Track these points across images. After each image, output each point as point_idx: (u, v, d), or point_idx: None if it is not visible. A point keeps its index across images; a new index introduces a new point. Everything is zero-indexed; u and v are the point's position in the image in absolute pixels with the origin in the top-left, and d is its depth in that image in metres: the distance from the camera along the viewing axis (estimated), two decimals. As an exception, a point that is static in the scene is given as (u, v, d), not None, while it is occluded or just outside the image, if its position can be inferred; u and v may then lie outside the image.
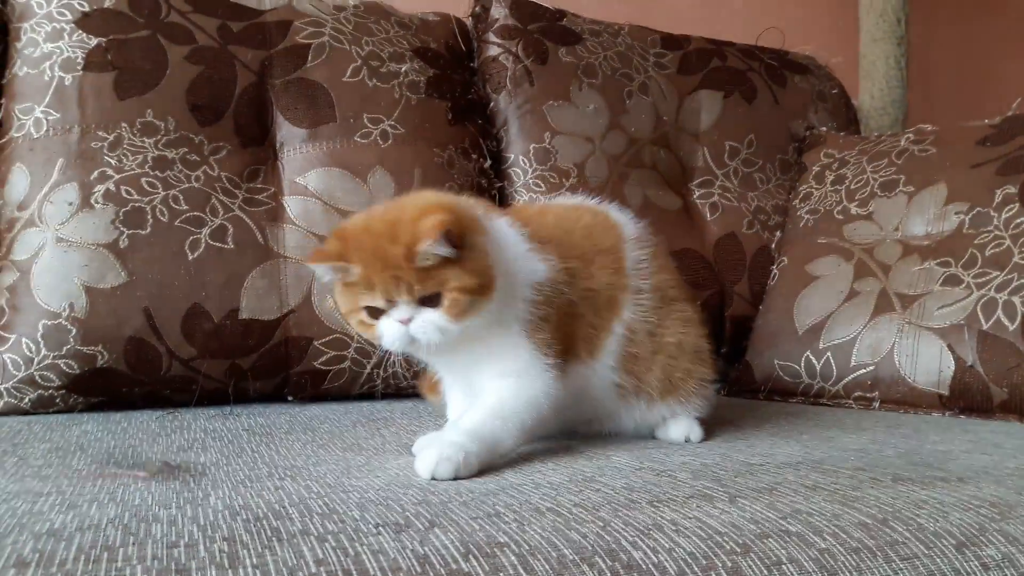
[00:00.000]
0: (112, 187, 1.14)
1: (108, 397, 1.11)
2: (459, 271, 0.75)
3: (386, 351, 0.79)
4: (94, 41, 1.21)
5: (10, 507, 0.59)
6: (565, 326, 0.82)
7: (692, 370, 0.89)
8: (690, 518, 0.59)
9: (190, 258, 1.14)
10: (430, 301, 0.75)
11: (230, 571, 0.48)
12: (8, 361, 1.07)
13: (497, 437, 0.75)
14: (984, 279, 1.20)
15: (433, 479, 0.69)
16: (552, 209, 0.94)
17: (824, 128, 1.68)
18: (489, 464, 0.74)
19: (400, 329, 0.76)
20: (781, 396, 1.34)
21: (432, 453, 0.71)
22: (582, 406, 0.86)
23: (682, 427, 0.90)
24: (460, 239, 0.75)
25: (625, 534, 0.56)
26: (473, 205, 0.83)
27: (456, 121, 1.40)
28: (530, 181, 1.44)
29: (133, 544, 0.51)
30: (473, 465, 0.71)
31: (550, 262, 0.81)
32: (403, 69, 1.37)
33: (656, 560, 0.54)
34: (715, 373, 0.92)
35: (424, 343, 0.76)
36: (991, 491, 0.69)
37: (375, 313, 0.77)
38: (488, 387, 0.80)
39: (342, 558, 0.50)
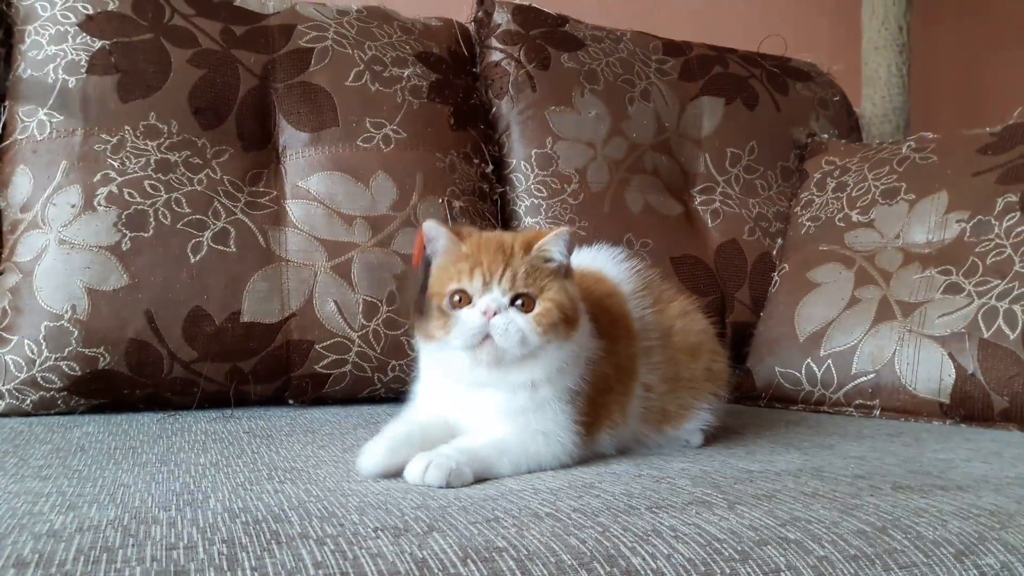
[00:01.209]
0: (115, 190, 1.14)
1: (109, 399, 1.11)
2: (562, 287, 0.76)
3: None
4: (98, 44, 1.21)
5: (10, 507, 0.59)
6: (599, 398, 0.82)
7: (703, 388, 0.91)
8: (689, 524, 0.59)
9: (192, 261, 1.14)
10: (522, 306, 0.75)
11: (229, 573, 0.48)
12: (10, 362, 1.07)
13: (492, 462, 0.74)
14: (985, 287, 1.19)
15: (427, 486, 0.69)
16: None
17: (826, 135, 1.68)
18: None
19: (480, 322, 0.74)
20: (782, 403, 1.34)
21: (422, 460, 0.70)
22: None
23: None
24: (567, 270, 0.78)
25: (624, 540, 0.56)
26: None
27: (458, 126, 1.41)
28: (532, 186, 1.45)
29: (132, 546, 0.51)
30: (466, 475, 0.70)
31: (597, 340, 0.82)
32: (405, 74, 1.37)
33: (655, 566, 0.54)
34: (727, 391, 0.93)
35: (499, 345, 0.74)
36: (991, 500, 0.69)
37: (460, 303, 0.75)
38: (497, 425, 0.78)
39: (340, 561, 0.50)
